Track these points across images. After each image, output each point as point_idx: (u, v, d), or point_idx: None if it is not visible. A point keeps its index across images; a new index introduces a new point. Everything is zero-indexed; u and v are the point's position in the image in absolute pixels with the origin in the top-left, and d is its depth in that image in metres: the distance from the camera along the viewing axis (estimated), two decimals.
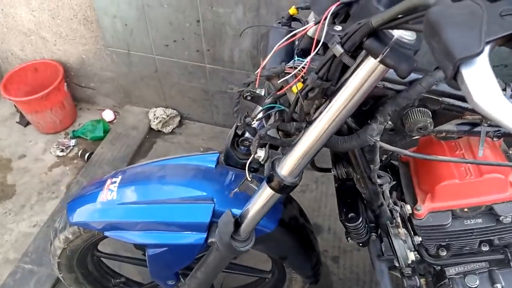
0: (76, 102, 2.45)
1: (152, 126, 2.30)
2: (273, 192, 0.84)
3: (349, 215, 0.90)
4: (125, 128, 2.32)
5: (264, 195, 0.86)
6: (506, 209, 0.90)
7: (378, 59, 0.57)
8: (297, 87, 0.71)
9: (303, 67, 0.70)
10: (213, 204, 0.98)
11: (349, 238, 0.97)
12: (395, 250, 0.89)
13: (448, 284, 1.03)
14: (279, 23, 0.87)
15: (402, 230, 0.90)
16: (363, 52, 0.62)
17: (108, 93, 2.38)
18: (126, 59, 2.13)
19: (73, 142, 2.28)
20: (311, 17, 0.90)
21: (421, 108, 0.79)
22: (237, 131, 1.13)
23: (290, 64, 0.73)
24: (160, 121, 2.28)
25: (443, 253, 1.01)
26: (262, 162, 0.85)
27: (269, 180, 0.82)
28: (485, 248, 0.99)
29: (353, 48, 0.59)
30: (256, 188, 0.86)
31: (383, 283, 0.96)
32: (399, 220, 0.89)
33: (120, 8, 1.92)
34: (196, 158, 1.10)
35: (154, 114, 2.30)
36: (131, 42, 2.05)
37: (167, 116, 2.29)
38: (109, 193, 1.05)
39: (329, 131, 0.72)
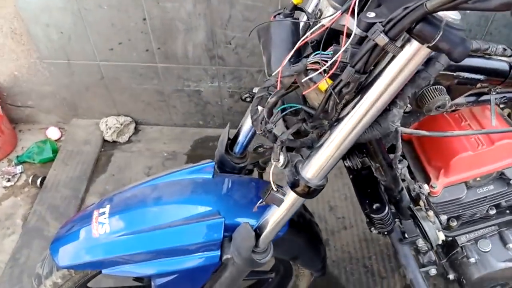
0: (14, 124, 2.20)
1: (106, 138, 2.13)
2: (298, 197, 0.77)
3: (374, 206, 0.86)
4: (76, 144, 2.12)
5: (287, 202, 0.80)
6: None
7: (431, 44, 0.52)
8: (327, 82, 0.64)
9: (333, 62, 0.63)
10: (223, 219, 0.90)
11: (372, 229, 0.94)
12: (425, 232, 0.87)
13: (461, 252, 1.04)
14: (278, 14, 0.79)
15: (431, 212, 0.88)
16: (403, 38, 0.56)
17: (50, 109, 2.16)
18: (67, 70, 1.94)
19: (19, 168, 2.05)
20: (312, 6, 0.84)
21: (437, 86, 0.76)
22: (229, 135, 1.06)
23: (313, 59, 0.66)
24: (114, 131, 2.12)
25: (454, 223, 1.01)
26: (282, 168, 0.78)
27: (294, 186, 0.76)
28: (493, 212, 1.01)
29: (399, 36, 0.54)
30: (283, 198, 0.79)
31: (410, 266, 0.95)
32: (425, 201, 0.87)
33: (52, 15, 1.72)
34: (190, 171, 1.01)
35: (106, 125, 2.13)
36: (70, 51, 1.86)
37: (121, 124, 2.13)
38: (99, 226, 0.92)
39: (362, 126, 0.67)
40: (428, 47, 0.53)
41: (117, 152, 2.12)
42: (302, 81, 0.66)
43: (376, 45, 0.56)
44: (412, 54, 0.57)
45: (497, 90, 0.82)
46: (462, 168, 0.90)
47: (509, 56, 0.79)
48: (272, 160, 0.76)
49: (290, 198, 0.79)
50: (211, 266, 0.93)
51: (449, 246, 1.07)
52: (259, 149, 0.93)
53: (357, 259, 1.74)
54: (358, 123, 0.66)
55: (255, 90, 0.94)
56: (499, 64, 0.80)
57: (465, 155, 0.88)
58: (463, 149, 0.88)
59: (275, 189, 0.78)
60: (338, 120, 0.68)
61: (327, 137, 0.71)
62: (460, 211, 0.97)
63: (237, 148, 1.07)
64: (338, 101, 0.64)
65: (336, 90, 0.63)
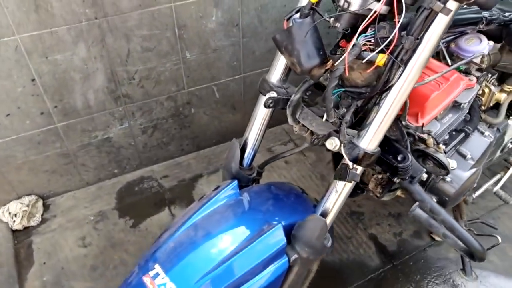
0: None
1: (15, 227, 1.81)
2: (361, 169, 0.85)
3: (399, 158, 0.97)
4: None
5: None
6: (464, 96, 1.15)
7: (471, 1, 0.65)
8: (388, 53, 0.73)
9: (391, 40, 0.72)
10: (280, 224, 0.92)
11: (396, 178, 1.05)
12: (440, 162, 1.02)
13: (437, 177, 1.24)
14: (290, 17, 0.84)
15: (441, 145, 1.05)
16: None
17: None
18: None
19: None
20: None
21: None
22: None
23: (362, 42, 0.73)
24: (22, 216, 1.81)
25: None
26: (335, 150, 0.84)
27: (356, 159, 0.83)
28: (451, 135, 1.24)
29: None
30: (358, 173, 0.85)
31: (425, 199, 1.08)
32: (431, 140, 1.03)
33: None
34: (217, 198, 0.98)
35: (10, 213, 1.81)
36: None
37: (27, 206, 1.83)
38: None
39: (410, 85, 0.78)
40: (467, 4, 0.67)
41: (35, 237, 1.82)
42: (364, 61, 0.74)
43: (430, 12, 0.67)
44: (454, 12, 0.70)
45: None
46: (433, 107, 1.09)
47: None
48: (344, 155, 0.81)
49: (357, 171, 0.85)
50: (282, 275, 0.93)
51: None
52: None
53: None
54: (409, 82, 0.77)
55: (271, 94, 0.96)
56: None
57: (434, 95, 1.07)
58: (431, 92, 1.07)
59: (351, 167, 0.83)
60: (390, 88, 0.78)
61: (381, 105, 0.80)
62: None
63: (245, 162, 1.08)
64: (402, 66, 0.74)
65: (398, 59, 0.72)
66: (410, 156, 0.96)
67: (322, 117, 0.92)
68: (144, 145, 1.98)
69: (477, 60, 1.14)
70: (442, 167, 1.02)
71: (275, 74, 1.00)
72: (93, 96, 1.69)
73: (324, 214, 0.92)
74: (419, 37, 0.72)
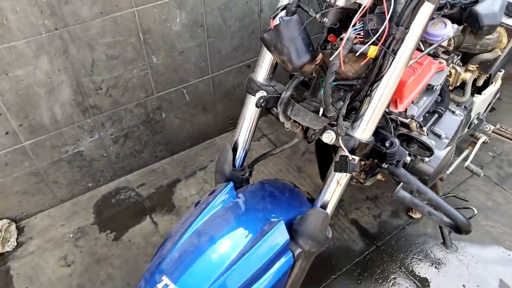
0: None
1: None
2: (358, 159, 0.87)
3: (387, 143, 1.00)
4: None
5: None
6: (435, 79, 1.20)
7: None
8: (381, 44, 0.74)
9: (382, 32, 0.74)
10: (282, 220, 0.93)
11: (384, 164, 1.08)
12: (424, 145, 1.06)
13: (416, 158, 1.29)
14: (275, 16, 0.84)
15: (424, 128, 1.09)
16: None
17: None
18: None
19: None
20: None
21: None
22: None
23: (353, 35, 0.75)
24: None
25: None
26: (331, 143, 0.86)
27: (353, 150, 0.85)
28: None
29: None
30: (356, 163, 0.87)
31: (411, 180, 1.12)
32: (414, 124, 1.07)
33: None
34: (215, 202, 0.97)
35: None
36: None
37: (0, 231, 1.75)
38: None
39: (401, 74, 0.80)
40: None
41: (13, 263, 1.73)
42: (357, 53, 0.75)
43: (418, 2, 0.70)
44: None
45: None
46: (410, 92, 1.13)
47: None
48: (340, 145, 0.83)
49: (355, 162, 0.87)
50: (287, 271, 0.94)
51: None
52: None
53: None
54: (400, 71, 0.79)
55: (261, 94, 0.96)
56: None
57: (411, 80, 1.11)
58: (408, 77, 1.11)
59: (350, 158, 0.85)
60: (381, 78, 0.80)
61: (373, 96, 0.82)
62: None
63: (238, 162, 1.08)
64: (394, 56, 0.76)
65: (390, 49, 0.75)
66: (397, 141, 0.99)
67: (315, 111, 0.94)
68: (116, 155, 1.93)
69: (445, 44, 1.19)
70: (427, 149, 1.06)
71: (262, 73, 1.01)
72: (60, 110, 1.63)
73: (324, 206, 0.94)
74: (408, 27, 0.74)
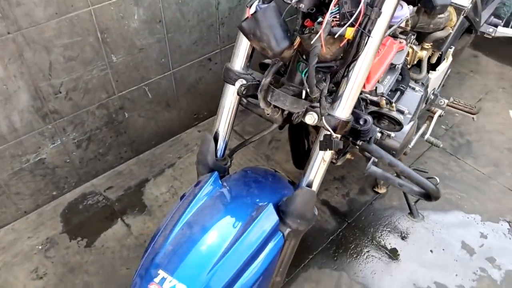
0: None
1: None
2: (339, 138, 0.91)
3: (361, 121, 1.05)
4: None
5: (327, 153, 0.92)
6: (397, 58, 1.27)
7: None
8: (357, 26, 0.78)
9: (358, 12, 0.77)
10: (270, 203, 0.95)
11: (359, 141, 1.13)
12: (394, 120, 1.13)
13: (384, 134, 1.36)
14: (251, 4, 0.86)
15: (393, 104, 1.15)
16: None
17: None
18: None
19: None
20: None
21: None
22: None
23: (329, 19, 0.78)
24: None
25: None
26: (314, 124, 0.89)
27: (335, 128, 0.89)
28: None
29: None
30: (339, 140, 0.90)
31: (383, 155, 1.18)
32: (384, 101, 1.13)
33: None
34: (202, 192, 0.98)
35: None
36: None
37: None
38: None
39: (374, 53, 0.85)
40: None
41: None
42: (336, 35, 0.79)
43: None
44: None
45: None
46: (376, 71, 1.18)
47: None
48: (321, 114, 0.86)
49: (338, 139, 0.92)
50: (280, 250, 0.97)
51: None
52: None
53: None
54: (374, 51, 0.84)
55: (241, 82, 0.98)
56: None
57: (376, 60, 1.17)
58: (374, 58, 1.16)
59: (334, 136, 0.89)
60: (357, 58, 0.84)
61: (350, 76, 0.86)
62: None
63: (219, 153, 1.09)
64: (370, 36, 0.80)
65: (366, 30, 0.79)
66: (370, 118, 1.04)
67: (294, 95, 0.97)
68: (80, 160, 1.87)
69: (403, 24, 1.26)
70: (397, 123, 1.13)
71: (239, 62, 1.02)
72: (18, 117, 1.56)
73: (310, 185, 0.98)
74: (381, 7, 0.79)
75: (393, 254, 1.77)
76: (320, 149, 0.93)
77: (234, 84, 1.02)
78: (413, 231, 1.85)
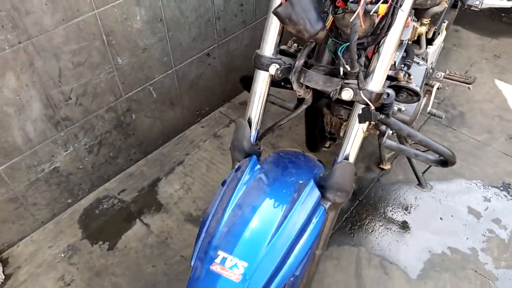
0: None
1: None
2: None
3: (384, 96, 1.10)
4: None
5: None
6: (404, 34, 1.33)
7: None
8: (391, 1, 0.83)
9: None
10: (311, 179, 1.00)
11: (381, 115, 1.18)
12: (415, 91, 1.19)
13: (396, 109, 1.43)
14: None
15: (411, 77, 1.22)
16: None
17: None
18: None
19: None
20: None
21: None
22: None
23: None
24: None
25: None
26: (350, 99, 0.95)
27: (371, 101, 0.94)
28: None
29: None
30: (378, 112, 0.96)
31: (402, 127, 1.24)
32: (401, 74, 1.19)
33: None
34: (245, 177, 1.02)
35: None
36: None
37: None
38: (234, 270, 0.88)
39: (404, 24, 0.90)
40: None
41: None
42: (372, 12, 0.84)
43: None
44: None
45: None
46: None
47: None
48: (359, 88, 0.92)
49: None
50: (323, 223, 1.03)
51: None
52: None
53: None
54: (403, 24, 0.89)
55: (275, 66, 1.02)
56: None
57: None
58: None
59: (373, 107, 0.94)
60: (389, 29, 0.90)
61: (381, 50, 0.92)
62: None
63: (253, 138, 1.13)
64: (402, 10, 0.85)
65: (398, 4, 0.84)
66: (393, 92, 1.10)
67: (327, 74, 1.02)
68: (92, 165, 1.88)
69: None
70: (415, 94, 1.19)
71: (269, 48, 1.06)
72: (32, 127, 1.56)
73: (347, 158, 1.03)
74: None
75: (405, 225, 1.85)
76: (360, 122, 0.98)
77: (266, 70, 1.06)
78: (421, 202, 1.94)
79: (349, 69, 0.93)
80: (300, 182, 1.01)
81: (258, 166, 1.04)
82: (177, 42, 1.88)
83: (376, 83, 0.96)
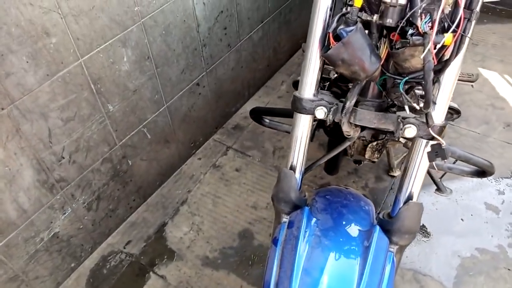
0: None
1: None
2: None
3: None
4: None
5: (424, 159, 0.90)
6: None
7: None
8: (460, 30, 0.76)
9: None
10: (377, 226, 0.92)
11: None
12: (456, 110, 1.13)
13: None
14: (333, 29, 0.81)
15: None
16: None
17: None
18: None
19: None
20: None
21: None
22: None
23: (425, 29, 0.76)
24: None
25: None
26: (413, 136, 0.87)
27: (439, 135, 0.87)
28: None
29: None
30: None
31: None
32: None
33: None
34: (302, 236, 0.92)
35: None
36: None
37: None
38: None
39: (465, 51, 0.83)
40: None
41: None
42: (440, 44, 0.76)
43: None
44: None
45: None
46: None
47: None
48: (428, 125, 0.84)
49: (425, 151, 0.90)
50: (395, 272, 0.94)
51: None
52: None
53: None
54: (465, 50, 0.82)
55: (323, 109, 0.92)
56: None
57: None
58: None
59: (444, 144, 0.86)
60: (450, 59, 0.83)
61: (443, 81, 0.84)
62: None
63: (297, 186, 1.03)
64: (469, 38, 0.78)
65: (466, 32, 0.76)
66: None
67: (378, 109, 0.94)
68: (92, 222, 1.72)
69: None
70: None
71: (309, 90, 0.96)
72: (25, 197, 1.39)
73: (411, 197, 0.95)
74: (477, 7, 0.77)
75: (429, 232, 1.80)
76: (431, 160, 0.90)
77: (311, 114, 0.96)
78: (439, 205, 1.90)
79: (417, 108, 0.85)
80: (364, 229, 0.92)
81: (314, 220, 0.94)
82: (166, 77, 1.75)
83: (439, 115, 0.89)
